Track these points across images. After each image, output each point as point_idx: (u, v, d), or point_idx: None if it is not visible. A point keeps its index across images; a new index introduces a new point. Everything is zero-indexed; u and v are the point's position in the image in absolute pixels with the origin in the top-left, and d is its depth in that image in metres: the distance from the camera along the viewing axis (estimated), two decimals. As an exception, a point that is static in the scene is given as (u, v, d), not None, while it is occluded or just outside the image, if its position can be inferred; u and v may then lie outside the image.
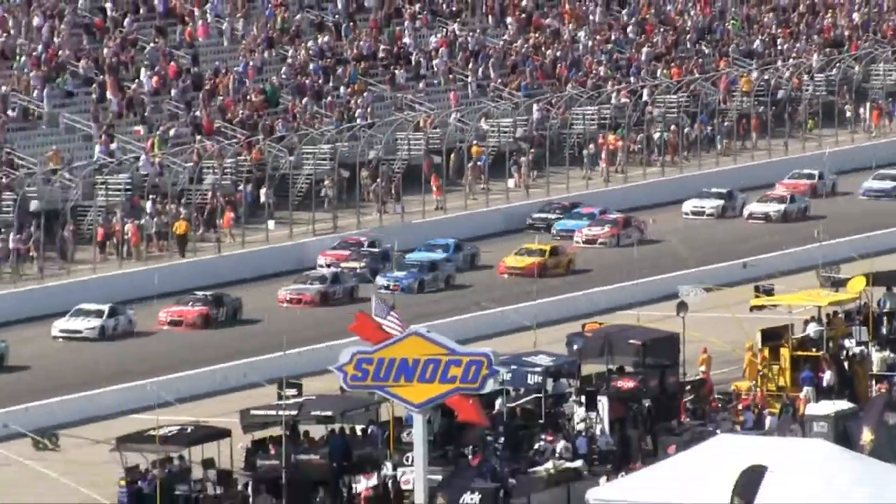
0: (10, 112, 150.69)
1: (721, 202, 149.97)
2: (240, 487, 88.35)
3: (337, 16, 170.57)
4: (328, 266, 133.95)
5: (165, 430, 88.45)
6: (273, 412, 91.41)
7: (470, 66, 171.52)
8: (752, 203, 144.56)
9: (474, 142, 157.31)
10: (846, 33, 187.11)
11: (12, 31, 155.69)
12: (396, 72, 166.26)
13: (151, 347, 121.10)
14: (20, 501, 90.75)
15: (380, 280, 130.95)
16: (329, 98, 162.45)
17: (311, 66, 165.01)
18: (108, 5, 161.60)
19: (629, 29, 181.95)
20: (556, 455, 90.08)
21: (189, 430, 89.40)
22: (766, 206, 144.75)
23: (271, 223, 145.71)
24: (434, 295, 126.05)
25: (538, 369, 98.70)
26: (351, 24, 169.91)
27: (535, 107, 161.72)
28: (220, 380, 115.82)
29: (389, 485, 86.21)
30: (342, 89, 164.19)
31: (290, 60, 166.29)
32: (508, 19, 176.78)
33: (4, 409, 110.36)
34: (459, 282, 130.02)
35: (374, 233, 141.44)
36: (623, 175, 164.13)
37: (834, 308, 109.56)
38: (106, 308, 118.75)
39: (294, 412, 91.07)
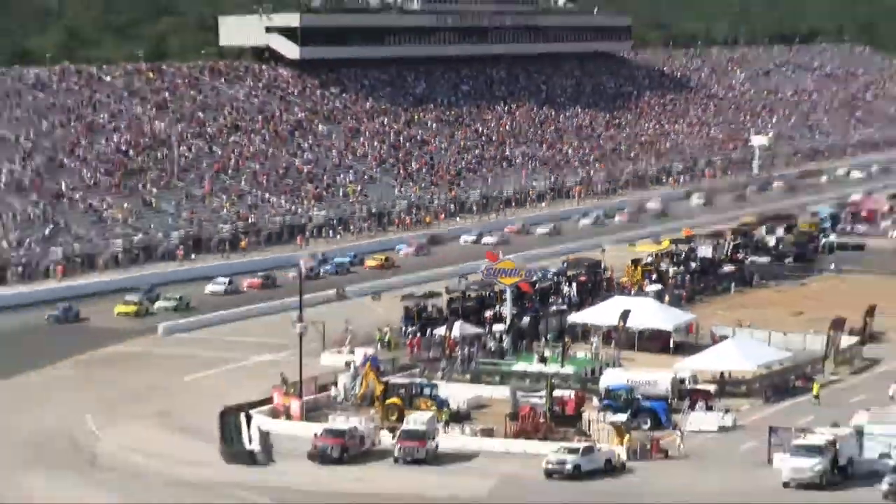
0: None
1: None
2: (444, 314, 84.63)
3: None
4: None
5: (416, 292, 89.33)
6: (456, 286, 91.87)
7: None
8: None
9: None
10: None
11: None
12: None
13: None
14: (366, 319, 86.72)
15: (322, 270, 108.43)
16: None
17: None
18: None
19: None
20: (558, 302, 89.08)
21: (427, 292, 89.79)
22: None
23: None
24: (342, 276, 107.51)
25: (551, 272, 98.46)
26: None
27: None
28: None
29: (499, 314, 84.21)
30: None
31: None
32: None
33: (367, 284, 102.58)
34: (353, 271, 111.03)
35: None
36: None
37: (658, 251, 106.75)
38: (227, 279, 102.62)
39: (464, 287, 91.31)
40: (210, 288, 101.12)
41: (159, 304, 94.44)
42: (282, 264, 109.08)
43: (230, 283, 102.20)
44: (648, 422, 62.28)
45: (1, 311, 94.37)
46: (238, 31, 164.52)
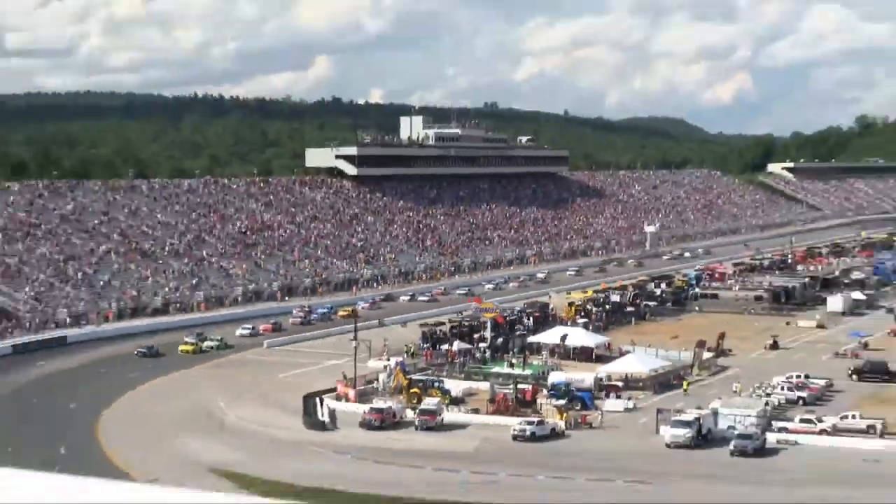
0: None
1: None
2: (448, 336, 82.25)
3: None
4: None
5: (432, 321, 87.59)
6: (456, 318, 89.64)
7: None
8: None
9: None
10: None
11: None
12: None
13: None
14: (398, 338, 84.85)
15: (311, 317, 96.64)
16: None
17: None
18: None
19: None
20: (521, 329, 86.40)
21: (436, 321, 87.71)
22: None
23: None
24: (325, 321, 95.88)
25: (517, 309, 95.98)
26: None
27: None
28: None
29: (483, 336, 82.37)
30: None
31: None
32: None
33: (397, 316, 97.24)
34: (332, 318, 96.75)
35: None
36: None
37: (584, 297, 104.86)
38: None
39: (460, 318, 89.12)
40: (239, 332, 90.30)
41: (206, 343, 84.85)
42: (284, 312, 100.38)
43: (252, 328, 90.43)
44: (579, 405, 61.63)
45: (96, 342, 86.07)
46: (317, 157, 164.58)
